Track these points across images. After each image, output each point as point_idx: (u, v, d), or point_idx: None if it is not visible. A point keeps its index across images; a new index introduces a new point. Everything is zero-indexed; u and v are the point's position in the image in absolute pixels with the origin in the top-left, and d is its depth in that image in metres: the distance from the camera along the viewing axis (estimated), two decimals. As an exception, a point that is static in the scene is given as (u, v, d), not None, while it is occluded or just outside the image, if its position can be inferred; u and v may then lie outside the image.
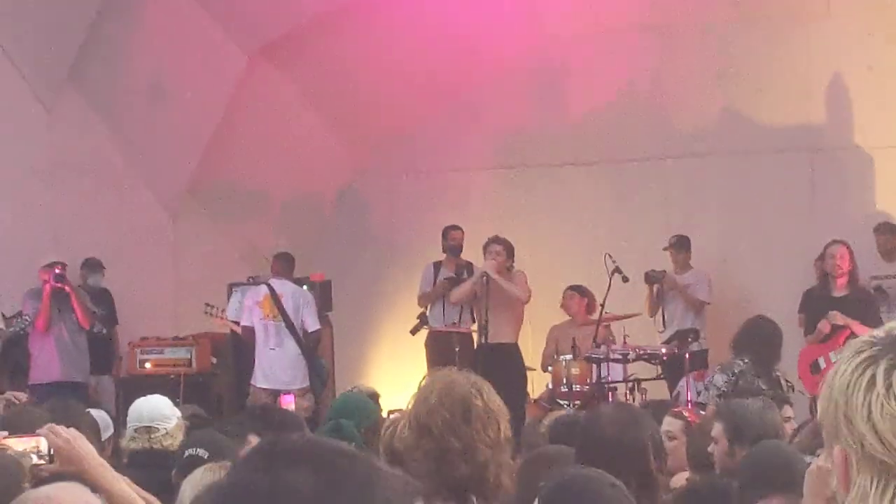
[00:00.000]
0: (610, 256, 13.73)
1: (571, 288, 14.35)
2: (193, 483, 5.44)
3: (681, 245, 14.67)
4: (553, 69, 15.86)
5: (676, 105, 15.44)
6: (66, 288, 13.55)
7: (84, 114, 14.63)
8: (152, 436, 7.51)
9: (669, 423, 7.22)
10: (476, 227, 14.48)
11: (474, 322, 14.11)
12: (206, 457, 6.28)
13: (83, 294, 13.98)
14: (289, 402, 11.79)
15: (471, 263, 14.62)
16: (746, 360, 10.04)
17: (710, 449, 6.44)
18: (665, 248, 14.62)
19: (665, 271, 14.41)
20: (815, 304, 12.28)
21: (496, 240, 13.61)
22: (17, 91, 14.12)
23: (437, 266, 14.77)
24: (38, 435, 4.45)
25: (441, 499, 4.08)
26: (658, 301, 14.50)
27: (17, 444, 4.39)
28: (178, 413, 7.78)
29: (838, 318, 11.60)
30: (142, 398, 7.99)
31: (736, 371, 9.96)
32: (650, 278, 14.19)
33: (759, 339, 10.38)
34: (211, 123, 14.97)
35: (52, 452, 4.42)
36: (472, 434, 4.01)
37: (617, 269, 13.85)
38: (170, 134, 14.85)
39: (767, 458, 5.39)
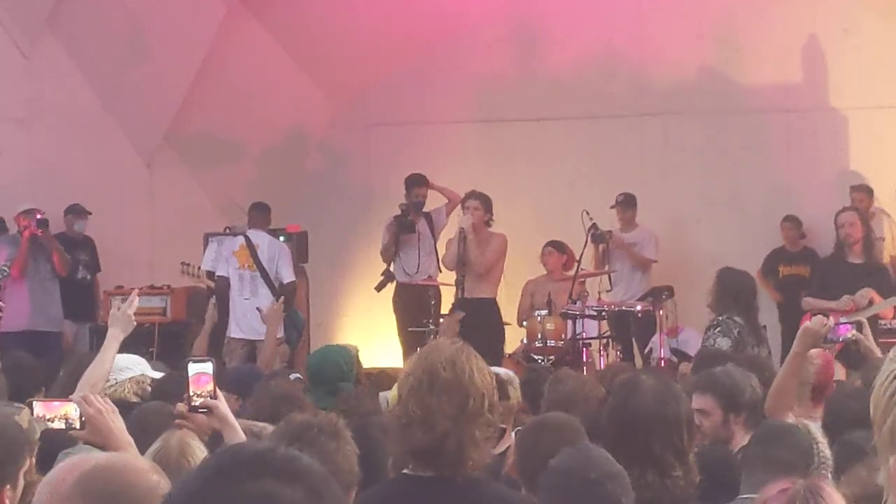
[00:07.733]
0: (587, 213, 13.80)
1: (551, 244, 14.33)
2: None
3: (627, 203, 14.69)
4: (532, 23, 15.87)
5: (655, 63, 15.48)
6: (45, 235, 13.51)
7: (61, 61, 14.50)
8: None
9: None
10: (453, 181, 14.48)
11: (440, 273, 14.06)
12: None
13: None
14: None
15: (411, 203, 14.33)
16: (738, 319, 9.95)
17: (697, 422, 6.38)
18: (612, 207, 14.65)
19: (611, 231, 14.44)
20: (829, 270, 11.98)
21: (473, 194, 13.31)
22: (-7, 37, 14.02)
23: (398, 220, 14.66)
24: (70, 401, 4.48)
25: (405, 465, 4.09)
26: (604, 260, 14.53)
27: (45, 411, 4.38)
28: (131, 373, 7.67)
29: (866, 295, 11.40)
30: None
31: (735, 334, 9.90)
32: (596, 238, 14.18)
33: (743, 295, 10.29)
34: (189, 73, 14.89)
35: (83, 419, 4.44)
36: (433, 404, 3.99)
37: (594, 227, 13.94)
38: (148, 83, 14.75)
39: (776, 438, 5.30)
